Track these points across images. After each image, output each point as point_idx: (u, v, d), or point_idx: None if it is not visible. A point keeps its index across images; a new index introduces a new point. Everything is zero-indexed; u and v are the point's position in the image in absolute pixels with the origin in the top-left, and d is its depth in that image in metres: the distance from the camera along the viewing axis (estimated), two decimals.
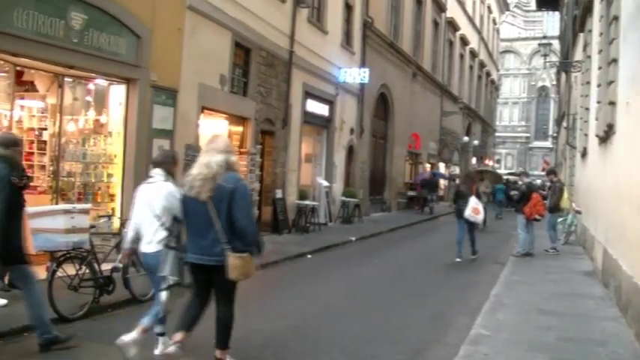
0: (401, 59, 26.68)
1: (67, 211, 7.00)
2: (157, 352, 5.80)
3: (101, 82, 10.49)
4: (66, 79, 10.06)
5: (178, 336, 5.26)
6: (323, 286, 9.98)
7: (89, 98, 10.70)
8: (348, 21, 21.03)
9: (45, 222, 6.88)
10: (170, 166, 6.16)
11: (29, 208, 7.24)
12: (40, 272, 7.17)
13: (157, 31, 10.65)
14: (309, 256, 13.12)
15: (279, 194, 16.21)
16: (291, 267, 11.87)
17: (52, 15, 8.74)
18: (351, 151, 21.95)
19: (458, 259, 13.02)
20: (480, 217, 13.31)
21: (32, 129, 11.10)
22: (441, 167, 36.35)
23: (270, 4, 15.26)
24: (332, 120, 20.07)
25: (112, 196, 10.48)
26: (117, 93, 10.57)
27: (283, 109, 16.42)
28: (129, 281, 7.87)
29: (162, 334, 5.87)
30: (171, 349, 5.25)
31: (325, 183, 19.12)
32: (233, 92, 14.02)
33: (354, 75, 20.36)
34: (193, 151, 11.96)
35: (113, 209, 10.25)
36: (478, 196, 13.68)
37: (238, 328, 5.57)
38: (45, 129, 10.92)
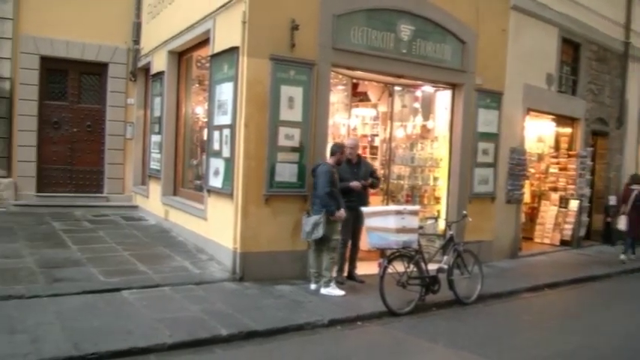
0: None
1: (398, 212, 7.38)
2: None
3: (428, 88, 10.86)
4: (395, 88, 10.68)
5: None
6: None
7: (417, 105, 11.19)
8: None
9: (378, 221, 7.39)
10: None
11: (364, 208, 7.90)
12: (372, 268, 7.77)
13: (482, 35, 10.61)
14: None
15: (612, 201, 14.77)
16: (625, 283, 10.74)
17: (383, 29, 9.34)
18: None
19: None
20: None
21: (365, 135, 12.06)
22: None
23: None
24: None
25: (437, 199, 10.76)
26: (443, 98, 10.82)
27: (618, 107, 15.00)
28: (453, 283, 7.98)
29: None
30: None
31: None
32: (561, 91, 13.26)
33: None
34: (518, 155, 11.67)
35: (438, 211, 10.51)
36: None
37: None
38: (376, 135, 11.78)
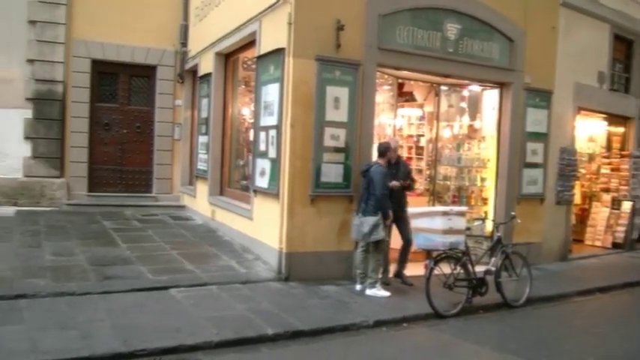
0: None
1: (444, 213, 7.31)
2: None
3: (475, 88, 10.71)
4: (442, 87, 10.56)
5: None
6: None
7: (463, 104, 11.05)
8: None
9: (424, 222, 7.33)
10: None
11: (411, 209, 7.84)
12: (419, 269, 7.71)
13: (530, 33, 10.40)
14: None
15: None
16: None
17: (429, 28, 9.25)
18: None
19: None
20: None
21: (411, 136, 12.00)
22: None
23: None
24: None
25: (484, 200, 10.59)
26: (490, 98, 10.64)
27: None
28: (501, 285, 7.85)
29: None
30: None
31: None
32: (613, 90, 12.92)
33: None
34: (569, 155, 11.42)
35: (486, 212, 10.33)
36: None
37: None
38: (422, 135, 11.70)
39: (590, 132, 13.65)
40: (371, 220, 7.63)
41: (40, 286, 6.95)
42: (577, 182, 12.30)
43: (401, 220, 8.29)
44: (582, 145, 13.08)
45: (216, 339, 5.71)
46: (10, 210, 12.03)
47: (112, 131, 13.67)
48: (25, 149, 12.74)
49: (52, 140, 12.88)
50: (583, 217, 13.67)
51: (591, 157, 13.79)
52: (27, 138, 12.74)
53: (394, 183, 8.16)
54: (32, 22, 12.70)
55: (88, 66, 13.16)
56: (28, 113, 12.72)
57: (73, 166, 13.09)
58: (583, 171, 13.27)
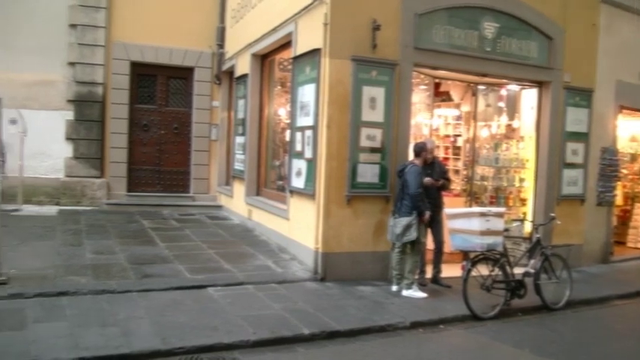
0: None
1: (482, 214, 7.21)
2: None
3: (513, 87, 10.56)
4: (479, 87, 10.44)
5: None
6: None
7: (501, 104, 10.91)
8: None
9: (462, 223, 7.25)
10: None
11: (448, 210, 7.78)
12: (456, 270, 7.64)
13: (570, 30, 10.21)
14: None
15: None
16: None
17: (466, 27, 9.16)
18: None
19: None
20: None
21: (448, 136, 11.90)
22: None
23: None
24: None
25: (523, 201, 10.42)
26: (528, 97, 10.48)
27: None
28: (540, 288, 7.74)
29: None
30: None
31: None
32: None
33: None
34: (610, 155, 11.18)
35: (524, 213, 10.19)
36: None
37: None
38: (459, 135, 11.60)
39: (632, 131, 13.35)
40: (404, 220, 7.60)
41: (81, 283, 7.11)
42: (619, 183, 12.03)
43: (435, 222, 8.24)
44: (624, 145, 12.80)
45: (253, 338, 5.75)
46: (52, 209, 12.34)
47: (150, 132, 13.88)
48: (67, 150, 13.03)
49: (93, 141, 13.14)
50: (625, 218, 13.36)
51: (634, 158, 13.47)
52: (68, 139, 13.04)
53: (427, 179, 8.08)
54: (73, 26, 12.99)
55: (127, 68, 13.39)
56: (70, 115, 13.01)
57: (112, 167, 13.34)
58: (625, 171, 12.98)
